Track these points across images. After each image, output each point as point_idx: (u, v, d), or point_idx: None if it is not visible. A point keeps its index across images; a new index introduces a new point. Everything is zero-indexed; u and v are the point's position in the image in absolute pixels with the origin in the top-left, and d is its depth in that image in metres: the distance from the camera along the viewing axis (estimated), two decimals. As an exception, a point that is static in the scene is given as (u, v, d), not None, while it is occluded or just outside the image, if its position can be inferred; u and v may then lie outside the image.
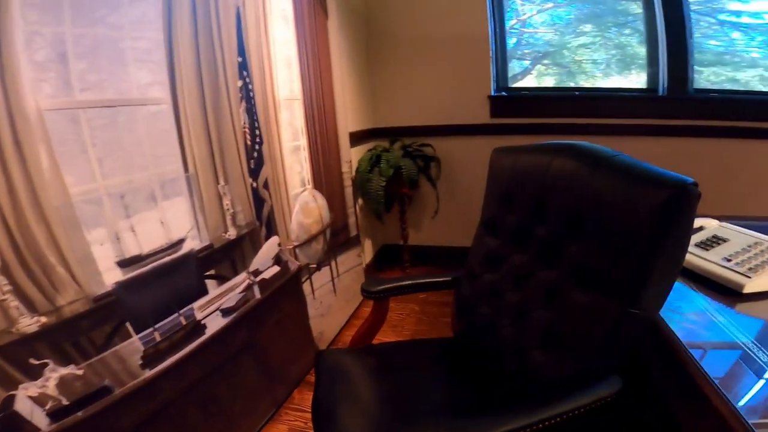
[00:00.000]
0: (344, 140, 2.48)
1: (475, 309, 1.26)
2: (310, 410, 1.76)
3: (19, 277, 0.98)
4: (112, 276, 1.22)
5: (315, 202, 2.24)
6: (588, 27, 2.67)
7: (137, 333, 1.35)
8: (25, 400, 1.04)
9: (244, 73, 1.64)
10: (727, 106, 2.38)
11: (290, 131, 2.04)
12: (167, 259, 1.38)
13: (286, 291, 2.00)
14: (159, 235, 1.36)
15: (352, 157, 2.62)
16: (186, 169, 1.48)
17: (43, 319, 1.03)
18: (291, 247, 2.07)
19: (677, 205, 0.75)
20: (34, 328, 1.04)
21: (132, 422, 1.31)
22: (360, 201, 2.91)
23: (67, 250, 1.07)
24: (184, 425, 1.50)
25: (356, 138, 2.68)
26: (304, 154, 2.15)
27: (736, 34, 2.37)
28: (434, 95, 2.85)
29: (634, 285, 0.80)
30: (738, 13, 2.33)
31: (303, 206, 2.18)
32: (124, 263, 1.25)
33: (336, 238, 2.47)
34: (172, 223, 1.41)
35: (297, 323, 2.11)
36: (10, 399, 1.01)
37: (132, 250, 1.27)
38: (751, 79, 2.39)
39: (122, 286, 1.24)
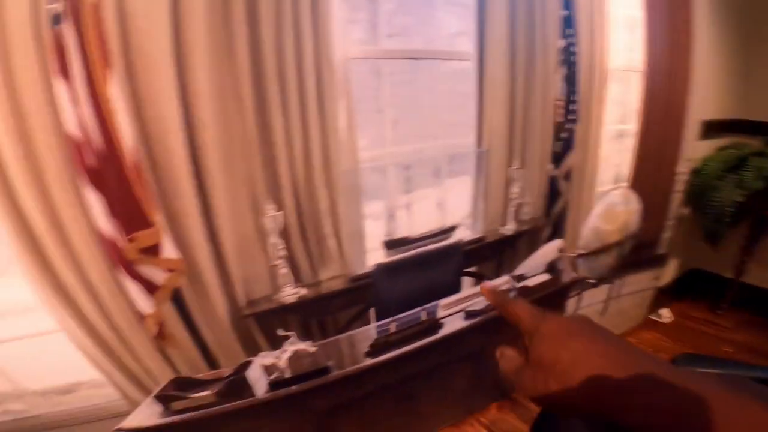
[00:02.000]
0: (691, 131, 1.94)
1: None
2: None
3: (294, 243, 1.00)
4: (374, 257, 1.18)
5: (624, 206, 1.81)
6: None
7: (377, 320, 1.36)
8: (257, 368, 1.11)
9: (568, 31, 1.39)
10: None
11: (617, 111, 1.70)
12: (433, 247, 1.26)
13: (544, 304, 1.71)
14: (432, 218, 1.27)
15: (695, 152, 2.07)
16: (479, 144, 1.28)
17: (303, 291, 1.05)
18: (574, 255, 1.78)
19: None
20: (292, 299, 1.07)
21: (328, 405, 1.33)
22: (686, 211, 2.27)
23: (343, 221, 1.06)
24: (371, 416, 1.50)
25: (709, 129, 2.11)
26: (629, 143, 1.75)
27: None
28: None
29: None
30: None
31: (607, 209, 1.80)
32: (391, 244, 1.20)
33: (635, 254, 2.00)
34: (449, 207, 1.30)
35: None
36: (246, 364, 1.09)
37: (401, 231, 1.20)
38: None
39: (381, 270, 1.19)
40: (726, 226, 2.03)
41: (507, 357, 0.36)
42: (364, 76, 1.06)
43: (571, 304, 1.88)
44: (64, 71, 0.72)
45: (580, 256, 1.78)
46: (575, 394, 0.28)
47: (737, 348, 2.02)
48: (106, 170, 0.75)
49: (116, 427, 1.14)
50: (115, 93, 0.76)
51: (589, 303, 1.99)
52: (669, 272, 2.61)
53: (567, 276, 1.72)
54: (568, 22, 1.36)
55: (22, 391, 1.14)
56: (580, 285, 1.86)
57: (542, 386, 0.30)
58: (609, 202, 1.77)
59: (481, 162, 1.32)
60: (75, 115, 0.73)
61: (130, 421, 1.15)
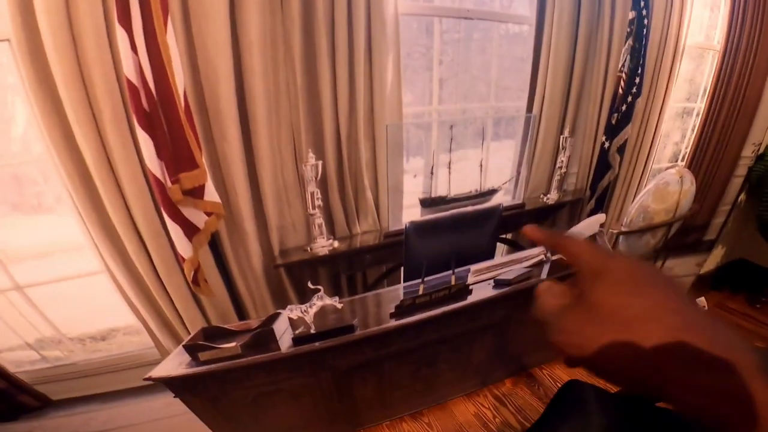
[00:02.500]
0: (764, 114, 1.84)
1: None
2: (508, 405, 1.70)
3: (332, 194, 1.02)
4: (409, 214, 1.19)
5: (679, 186, 1.76)
6: None
7: (405, 281, 1.37)
8: (284, 321, 1.15)
9: (642, 2, 1.34)
10: None
11: (685, 89, 1.65)
12: (470, 209, 1.27)
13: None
14: (473, 179, 1.27)
15: (765, 138, 1.95)
16: (529, 109, 1.27)
17: (336, 245, 1.08)
18: (616, 231, 1.76)
19: None
20: (324, 251, 1.10)
21: (348, 365, 1.35)
22: (742, 197, 2.16)
23: (382, 175, 1.07)
24: (390, 379, 1.52)
25: None
26: (694, 122, 1.71)
27: None
28: None
29: None
30: None
31: (660, 187, 1.75)
32: (427, 202, 1.21)
33: (682, 238, 1.98)
34: (491, 169, 1.29)
35: None
36: (274, 317, 1.12)
37: (440, 190, 1.21)
38: None
39: (415, 228, 1.21)
40: None
41: (553, 292, 0.30)
42: (415, 33, 1.04)
43: None
44: (125, 19, 0.75)
45: (623, 233, 1.75)
46: (634, 353, 0.24)
47: (773, 346, 1.99)
48: (158, 114, 0.79)
49: (146, 376, 1.21)
50: (172, 41, 0.78)
51: None
52: (713, 260, 2.56)
53: None
54: None
55: (61, 337, 1.23)
56: None
57: (592, 335, 0.25)
58: (663, 180, 1.73)
59: (529, 127, 1.29)
60: (133, 61, 0.76)
61: (159, 371, 1.22)
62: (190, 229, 0.93)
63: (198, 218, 0.93)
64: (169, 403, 1.32)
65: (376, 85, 1.00)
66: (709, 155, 1.80)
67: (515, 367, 1.89)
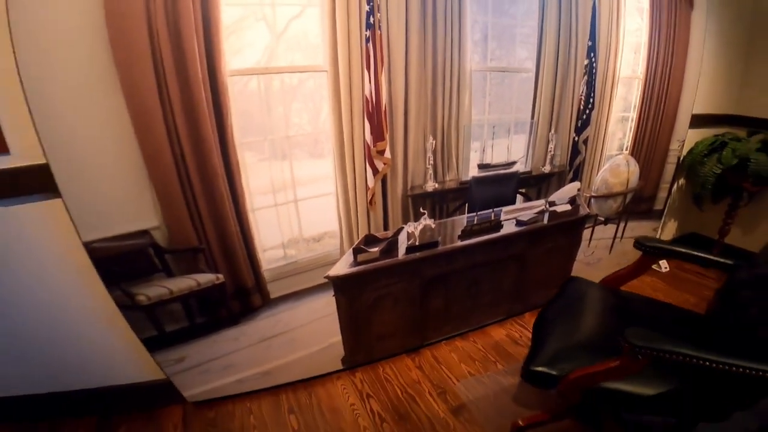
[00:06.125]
0: (683, 120, 2.51)
1: (739, 291, 1.34)
2: (529, 330, 2.15)
3: (437, 158, 1.84)
4: (472, 172, 1.92)
5: (626, 167, 2.43)
6: None
7: (468, 213, 1.93)
8: (404, 233, 1.74)
9: (592, 54, 1.98)
10: None
11: (622, 104, 2.24)
12: (502, 171, 1.96)
13: (567, 228, 2.31)
14: (503, 155, 1.98)
15: (688, 137, 2.60)
16: (532, 117, 1.99)
17: (436, 186, 1.82)
18: (588, 195, 2.35)
19: None
20: (430, 189, 1.80)
21: (431, 274, 1.90)
22: (682, 181, 2.91)
23: (460, 149, 1.89)
24: (454, 291, 2.03)
25: (701, 121, 2.67)
26: (631, 125, 2.34)
27: None
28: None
29: None
30: None
31: (613, 167, 2.39)
32: (481, 166, 1.92)
33: (636, 205, 2.60)
34: (513, 150, 2.00)
35: (563, 258, 2.42)
36: (400, 230, 1.74)
37: (486, 160, 1.99)
38: None
39: (475, 180, 1.91)
40: (708, 192, 2.57)
41: None
42: (477, 80, 1.76)
43: (586, 234, 2.46)
44: (367, 65, 1.49)
45: (593, 197, 2.37)
46: None
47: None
48: (372, 112, 1.68)
49: (325, 275, 1.72)
50: (384, 76, 1.56)
51: (600, 237, 2.53)
52: (669, 232, 3.13)
53: (582, 210, 2.32)
54: (593, 48, 1.98)
55: (297, 238, 1.65)
56: (592, 219, 2.46)
57: None
58: (615, 163, 2.37)
59: (532, 127, 2.01)
60: (368, 86, 1.52)
61: (333, 270, 1.73)
62: (375, 171, 1.85)
63: (380, 166, 1.82)
64: (328, 303, 1.80)
65: (461, 106, 1.76)
66: (645, 147, 2.41)
67: (531, 304, 2.39)
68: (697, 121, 2.61)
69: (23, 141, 1.26)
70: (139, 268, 1.47)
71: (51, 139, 1.21)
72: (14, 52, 1.10)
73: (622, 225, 2.60)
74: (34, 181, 1.31)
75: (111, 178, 1.34)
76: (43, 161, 1.24)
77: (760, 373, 0.97)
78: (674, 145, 2.57)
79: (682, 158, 2.67)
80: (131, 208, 1.38)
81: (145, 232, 1.43)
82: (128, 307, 1.47)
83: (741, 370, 0.98)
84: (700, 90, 2.49)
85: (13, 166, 1.32)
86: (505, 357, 2.04)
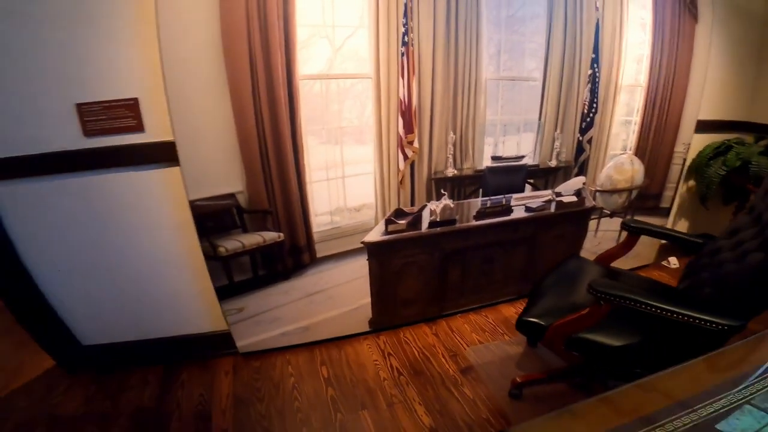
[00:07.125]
0: (687, 125, 2.67)
1: (699, 261, 1.59)
2: None
3: (456, 149, 2.27)
4: (486, 162, 2.37)
5: (631, 165, 2.63)
6: None
7: (481, 197, 2.23)
8: (427, 210, 2.06)
9: (595, 66, 2.26)
10: None
11: (625, 109, 2.46)
12: (512, 163, 2.29)
13: (573, 218, 2.52)
14: (513, 149, 2.32)
15: (697, 141, 2.75)
16: (539, 118, 2.29)
17: (455, 171, 2.30)
18: (593, 189, 2.54)
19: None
20: (450, 174, 2.28)
21: (450, 248, 2.17)
22: (690, 182, 3.04)
23: (474, 143, 2.34)
24: (469, 266, 2.30)
25: (708, 126, 2.78)
26: (634, 128, 2.56)
27: None
28: None
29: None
30: None
31: (618, 165, 2.59)
32: (494, 158, 2.26)
33: (642, 201, 2.78)
34: (522, 145, 2.33)
35: (569, 245, 2.60)
36: (424, 207, 2.06)
37: (498, 152, 2.40)
38: None
39: (488, 169, 2.26)
40: (712, 191, 2.67)
41: None
42: (492, 87, 2.08)
43: (592, 225, 2.64)
44: (402, 73, 1.94)
45: (598, 191, 2.57)
46: None
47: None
48: (404, 110, 2.19)
49: (361, 240, 2.03)
50: (414, 83, 2.03)
51: (606, 228, 2.70)
52: (681, 230, 3.21)
53: (588, 202, 2.52)
54: (596, 60, 2.24)
55: (342, 207, 1.98)
56: (598, 212, 2.63)
57: None
58: (619, 161, 2.57)
59: (539, 127, 2.30)
60: (402, 90, 2.07)
61: (368, 237, 2.05)
62: (405, 157, 2.29)
63: (409, 153, 2.24)
64: (362, 266, 2.09)
65: (477, 107, 2.13)
66: (649, 148, 2.59)
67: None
68: (705, 126, 2.72)
69: (156, 123, 1.76)
70: (224, 224, 1.87)
71: (177, 122, 1.74)
72: (161, 59, 1.64)
73: (628, 218, 2.80)
74: (163, 153, 1.74)
75: (214, 153, 1.85)
76: (171, 139, 1.78)
77: (691, 319, 1.15)
78: (679, 148, 2.73)
79: (689, 161, 2.79)
80: (225, 176, 1.81)
81: (232, 195, 1.85)
82: (210, 257, 1.84)
83: (677, 316, 1.15)
84: (710, 97, 2.62)
85: (146, 141, 1.80)
86: (512, 331, 2.25)
